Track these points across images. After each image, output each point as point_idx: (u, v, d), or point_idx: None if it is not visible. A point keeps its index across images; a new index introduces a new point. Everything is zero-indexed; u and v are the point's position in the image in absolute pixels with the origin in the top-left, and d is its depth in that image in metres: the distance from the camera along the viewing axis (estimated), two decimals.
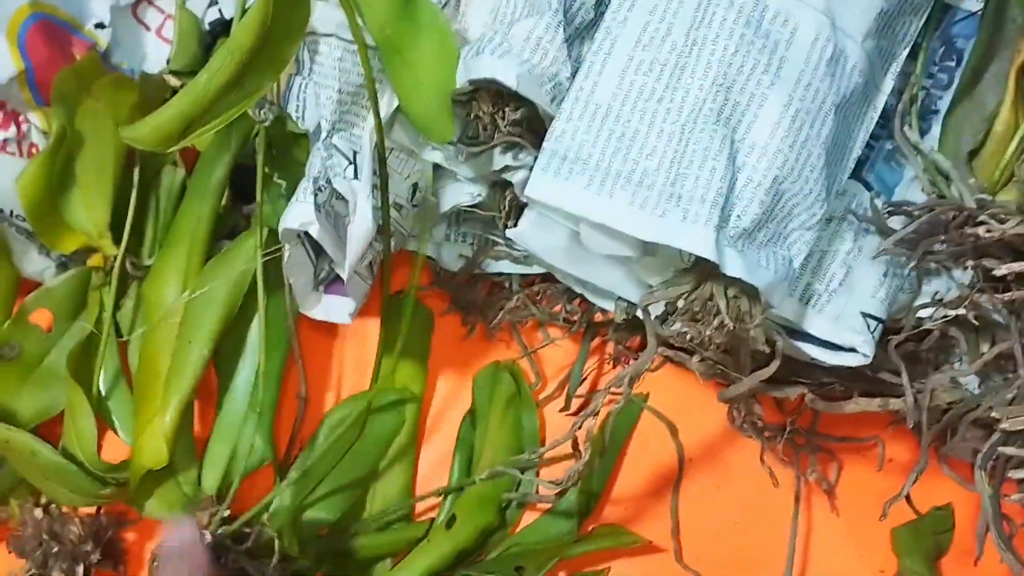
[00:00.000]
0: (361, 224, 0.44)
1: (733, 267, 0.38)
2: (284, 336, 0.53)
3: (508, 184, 0.47)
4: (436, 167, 0.49)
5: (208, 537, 0.46)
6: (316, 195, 0.46)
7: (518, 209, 0.48)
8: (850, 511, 0.53)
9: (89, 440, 0.51)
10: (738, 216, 0.38)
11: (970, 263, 0.41)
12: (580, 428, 0.46)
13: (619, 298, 0.46)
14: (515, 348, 0.57)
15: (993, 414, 0.39)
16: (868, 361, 0.42)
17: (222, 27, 0.55)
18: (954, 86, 0.45)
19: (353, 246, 0.45)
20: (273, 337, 0.51)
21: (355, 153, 0.45)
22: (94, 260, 0.53)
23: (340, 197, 0.47)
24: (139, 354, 0.51)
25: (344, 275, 0.47)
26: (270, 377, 0.52)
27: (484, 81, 0.42)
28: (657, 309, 0.43)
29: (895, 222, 0.43)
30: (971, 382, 0.45)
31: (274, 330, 0.51)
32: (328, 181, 0.46)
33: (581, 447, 0.48)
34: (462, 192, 0.49)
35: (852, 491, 0.53)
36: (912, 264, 0.41)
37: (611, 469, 0.55)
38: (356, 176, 0.44)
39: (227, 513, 0.49)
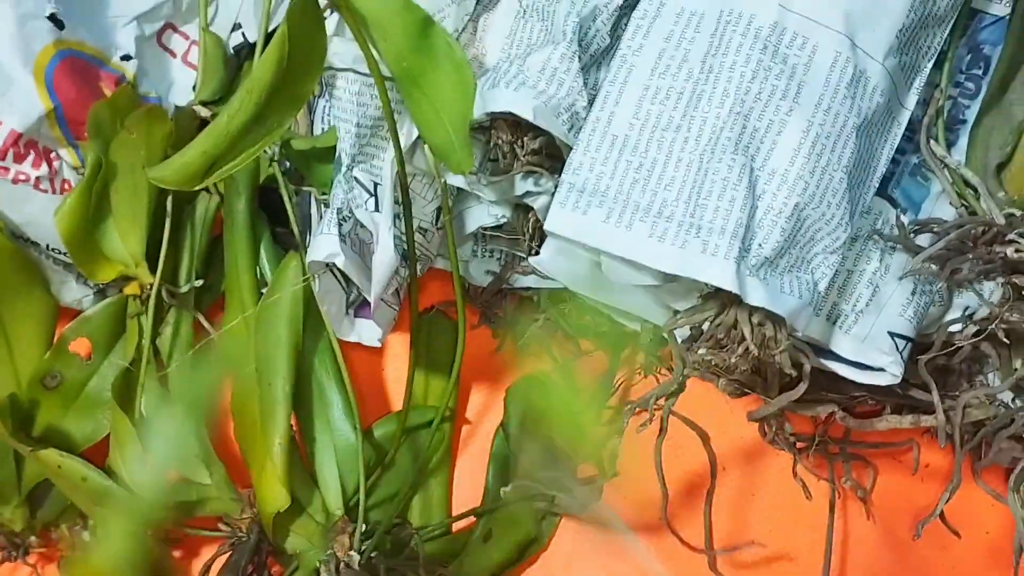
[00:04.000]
0: (384, 255, 0.44)
1: (755, 297, 0.37)
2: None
3: (532, 207, 0.47)
4: (460, 188, 0.50)
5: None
6: (340, 225, 0.46)
7: (542, 231, 0.48)
8: (887, 518, 0.53)
9: (137, 464, 0.52)
10: (759, 245, 0.38)
11: (1000, 280, 0.41)
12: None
13: (645, 320, 0.45)
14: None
15: None
16: (898, 381, 0.42)
17: (248, 50, 0.56)
18: (981, 95, 0.44)
19: (377, 276, 0.45)
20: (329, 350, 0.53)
21: (376, 185, 0.45)
22: (131, 288, 0.54)
23: (364, 225, 0.47)
24: (233, 409, 0.53)
25: (371, 303, 0.47)
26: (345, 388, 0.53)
27: (501, 113, 0.42)
28: (683, 331, 0.43)
29: (922, 240, 0.42)
30: (1005, 395, 0.44)
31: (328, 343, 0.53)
32: (351, 212, 0.46)
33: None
34: (486, 214, 0.49)
35: (888, 497, 0.53)
36: (940, 284, 0.41)
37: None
38: (377, 208, 0.45)
39: (363, 528, 0.50)
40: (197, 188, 0.43)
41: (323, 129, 0.51)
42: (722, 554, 0.52)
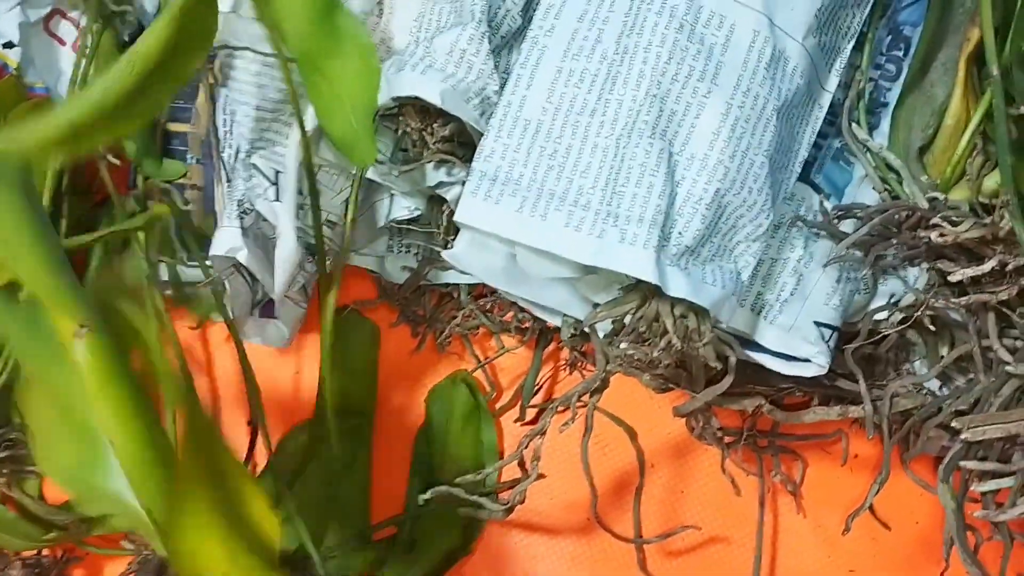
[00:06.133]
0: (286, 249, 0.42)
1: (677, 287, 0.36)
2: None
3: (445, 198, 0.45)
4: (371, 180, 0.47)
5: None
6: (242, 218, 0.44)
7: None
8: (817, 510, 0.52)
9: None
10: (680, 233, 0.36)
11: (924, 265, 0.40)
12: (527, 447, 0.44)
13: (565, 315, 0.44)
14: (468, 359, 0.55)
15: (954, 423, 0.38)
16: (824, 371, 0.41)
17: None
18: (902, 77, 0.43)
19: (280, 271, 0.43)
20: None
21: (277, 173, 0.43)
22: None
23: (267, 219, 0.45)
24: None
25: (276, 300, 0.45)
26: None
27: (408, 98, 0.39)
28: (605, 326, 0.41)
29: (846, 226, 0.41)
30: (932, 383, 0.43)
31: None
32: (252, 204, 0.44)
33: (528, 465, 0.46)
34: (399, 206, 0.47)
35: (818, 490, 0.52)
36: (865, 270, 0.40)
37: None
38: (278, 198, 0.42)
39: None
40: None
41: (225, 120, 0.48)
42: (654, 542, 0.51)
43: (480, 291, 0.53)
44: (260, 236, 0.45)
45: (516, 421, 0.54)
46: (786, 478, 0.51)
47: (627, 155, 0.36)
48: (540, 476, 0.50)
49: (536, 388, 0.54)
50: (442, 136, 0.40)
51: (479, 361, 0.54)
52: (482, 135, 0.39)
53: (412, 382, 0.55)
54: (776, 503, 0.53)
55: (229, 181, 0.45)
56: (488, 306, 0.53)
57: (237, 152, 0.44)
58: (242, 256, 0.43)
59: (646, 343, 0.38)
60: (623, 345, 0.39)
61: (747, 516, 0.52)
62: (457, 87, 0.38)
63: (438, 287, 0.53)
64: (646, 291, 0.38)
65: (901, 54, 0.44)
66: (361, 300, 0.54)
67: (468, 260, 0.41)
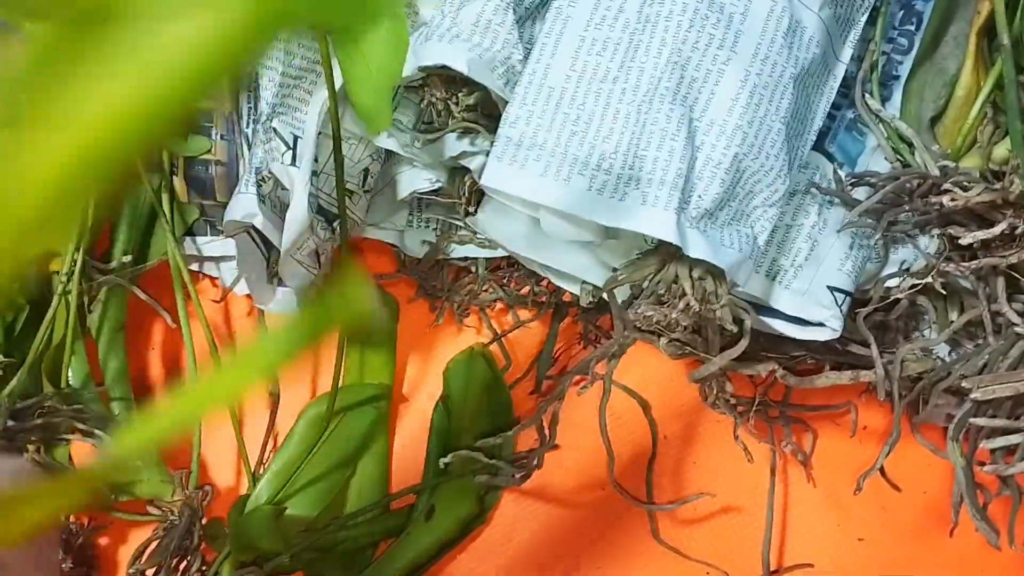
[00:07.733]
0: (297, 212, 0.43)
1: (696, 249, 0.37)
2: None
3: (467, 169, 0.46)
4: (393, 152, 0.48)
5: None
6: (260, 185, 0.45)
7: (478, 194, 0.47)
8: (827, 480, 0.53)
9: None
10: (699, 196, 0.38)
11: (936, 231, 0.41)
12: (546, 412, 0.46)
13: (584, 281, 0.45)
14: (485, 332, 0.56)
15: (963, 384, 0.39)
16: (837, 335, 0.42)
17: None
18: (914, 50, 0.44)
19: (288, 230, 0.44)
20: None
21: (296, 139, 0.44)
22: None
23: (285, 187, 0.46)
24: None
25: (281, 258, 0.46)
26: None
27: (435, 67, 0.40)
28: (623, 292, 0.42)
29: (859, 193, 0.42)
30: (942, 349, 0.44)
31: None
32: (271, 172, 0.45)
33: (547, 430, 0.47)
34: (420, 178, 0.48)
35: (828, 460, 0.53)
36: (877, 236, 0.41)
37: None
38: (295, 162, 0.43)
39: None
40: None
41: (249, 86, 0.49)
42: (667, 508, 0.52)
43: (497, 264, 0.54)
44: (277, 203, 0.46)
45: (532, 393, 0.55)
46: (797, 448, 0.52)
47: (648, 120, 0.38)
48: (555, 446, 0.51)
49: (551, 361, 0.55)
50: (467, 105, 0.42)
51: (496, 334, 0.55)
52: (507, 104, 0.40)
53: (430, 355, 0.56)
54: (787, 474, 0.53)
55: (250, 147, 0.46)
56: (505, 279, 0.54)
57: (259, 116, 0.45)
58: (257, 221, 0.44)
59: (664, 305, 0.39)
60: (642, 308, 0.40)
61: (758, 486, 0.53)
62: (483, 56, 0.40)
63: (456, 261, 0.54)
64: (665, 254, 0.39)
65: (913, 28, 0.45)
66: (381, 274, 0.56)
67: (492, 226, 0.42)
